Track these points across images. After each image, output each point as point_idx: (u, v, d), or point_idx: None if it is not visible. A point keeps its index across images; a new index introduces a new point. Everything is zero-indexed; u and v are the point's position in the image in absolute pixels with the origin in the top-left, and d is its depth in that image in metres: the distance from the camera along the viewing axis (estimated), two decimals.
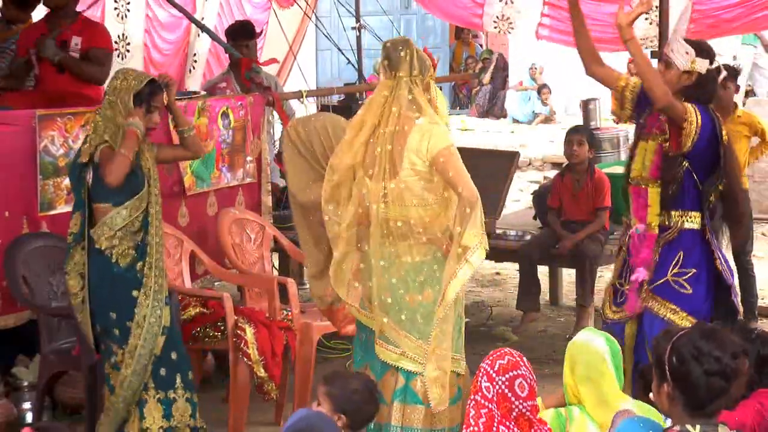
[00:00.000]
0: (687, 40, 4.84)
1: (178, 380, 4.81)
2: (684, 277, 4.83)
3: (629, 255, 4.96)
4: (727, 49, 14.51)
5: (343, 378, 3.88)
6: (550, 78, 16.32)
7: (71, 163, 4.88)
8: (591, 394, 3.81)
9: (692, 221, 4.84)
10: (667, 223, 4.84)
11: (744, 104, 10.35)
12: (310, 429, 3.35)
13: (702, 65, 4.80)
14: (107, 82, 4.84)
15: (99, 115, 4.74)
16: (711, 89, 4.87)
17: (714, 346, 2.94)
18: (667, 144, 4.77)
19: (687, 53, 4.78)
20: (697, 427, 2.93)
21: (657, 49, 6.02)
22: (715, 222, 4.92)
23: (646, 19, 6.96)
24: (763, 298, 7.84)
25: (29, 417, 5.41)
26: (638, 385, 4.27)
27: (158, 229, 4.79)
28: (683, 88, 4.81)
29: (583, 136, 6.96)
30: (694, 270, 4.82)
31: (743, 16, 6.98)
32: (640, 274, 4.86)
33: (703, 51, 4.86)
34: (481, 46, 18.96)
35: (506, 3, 7.52)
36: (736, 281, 5.07)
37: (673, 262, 4.84)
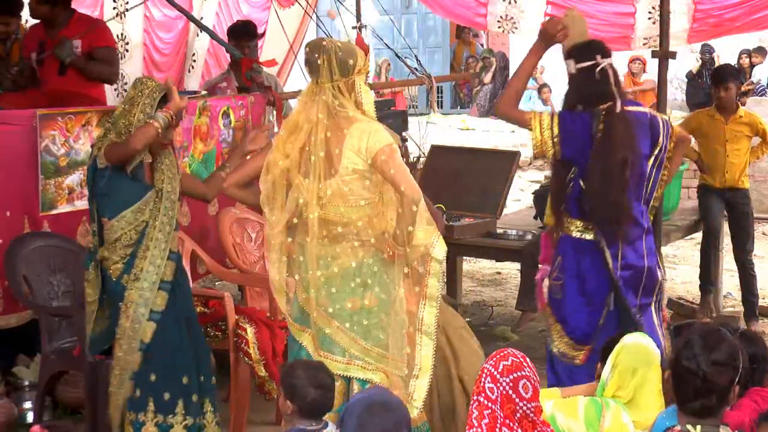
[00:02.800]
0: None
1: (151, 404, 4.71)
2: (558, 283, 4.88)
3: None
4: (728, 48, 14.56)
5: (290, 368, 3.87)
6: (551, 78, 16.32)
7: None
8: (633, 392, 3.86)
9: (572, 228, 4.85)
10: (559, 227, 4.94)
11: (744, 104, 10.36)
12: (386, 403, 3.33)
13: (569, 66, 4.81)
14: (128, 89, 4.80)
15: (109, 122, 4.68)
16: (587, 88, 4.77)
17: (701, 345, 2.97)
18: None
19: None
20: (698, 427, 2.95)
21: (659, 49, 6.01)
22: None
23: (650, 18, 6.96)
24: (764, 298, 7.85)
25: (30, 417, 5.40)
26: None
27: (157, 242, 4.64)
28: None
29: None
30: (562, 278, 4.85)
31: (745, 15, 6.97)
32: (543, 271, 5.01)
33: (573, 51, 4.86)
34: (482, 45, 18.95)
35: (510, 2, 7.50)
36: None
37: (555, 265, 4.91)
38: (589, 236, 4.80)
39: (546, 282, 4.95)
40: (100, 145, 4.62)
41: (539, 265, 5.09)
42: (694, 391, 2.99)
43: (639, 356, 3.87)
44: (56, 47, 6.38)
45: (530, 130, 4.75)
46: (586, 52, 4.81)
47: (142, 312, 4.62)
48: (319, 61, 4.15)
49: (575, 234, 4.84)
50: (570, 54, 4.86)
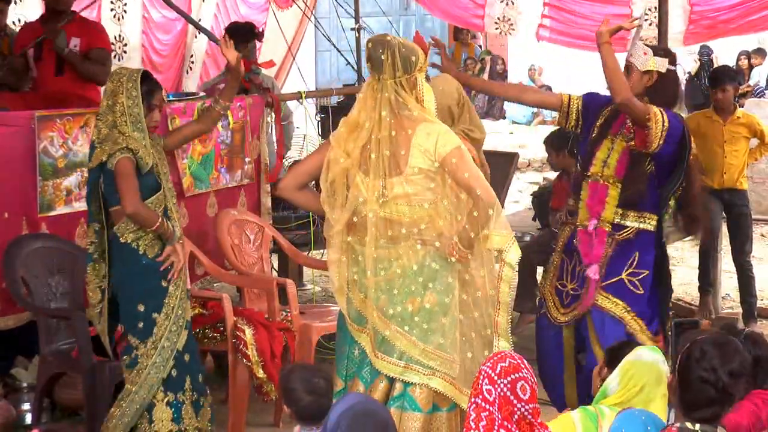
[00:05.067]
0: (646, 44, 4.92)
1: (187, 383, 4.78)
2: (638, 278, 4.94)
3: (569, 254, 5.05)
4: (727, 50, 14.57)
5: (288, 372, 3.89)
6: (550, 79, 16.32)
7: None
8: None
9: (649, 223, 4.94)
10: (623, 222, 4.92)
11: (742, 105, 10.36)
12: (368, 413, 3.33)
13: (661, 64, 4.90)
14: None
15: (100, 120, 4.69)
16: (673, 89, 4.96)
17: (717, 356, 2.97)
18: (632, 143, 4.85)
19: (645, 54, 4.86)
20: (697, 425, 2.96)
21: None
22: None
23: (646, 20, 6.96)
24: (762, 299, 7.84)
25: (28, 418, 5.40)
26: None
27: (177, 222, 4.78)
28: (645, 89, 4.90)
29: (552, 146, 6.90)
30: (647, 272, 4.94)
31: (741, 17, 6.98)
32: (594, 270, 4.93)
33: (661, 51, 4.99)
34: (480, 47, 18.96)
35: (507, 4, 7.51)
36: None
37: (629, 262, 4.93)
38: (653, 229, 4.97)
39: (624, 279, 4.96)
40: (110, 150, 4.58)
41: (586, 264, 4.98)
42: (708, 400, 2.99)
43: (649, 375, 3.76)
44: (55, 39, 6.40)
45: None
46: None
47: (185, 290, 4.76)
48: (383, 57, 4.15)
49: (650, 228, 4.95)
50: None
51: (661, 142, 4.76)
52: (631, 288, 4.92)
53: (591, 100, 5.10)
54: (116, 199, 4.65)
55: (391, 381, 4.23)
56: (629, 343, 4.13)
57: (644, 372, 3.76)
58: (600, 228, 4.93)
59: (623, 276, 4.91)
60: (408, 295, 4.18)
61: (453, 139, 4.17)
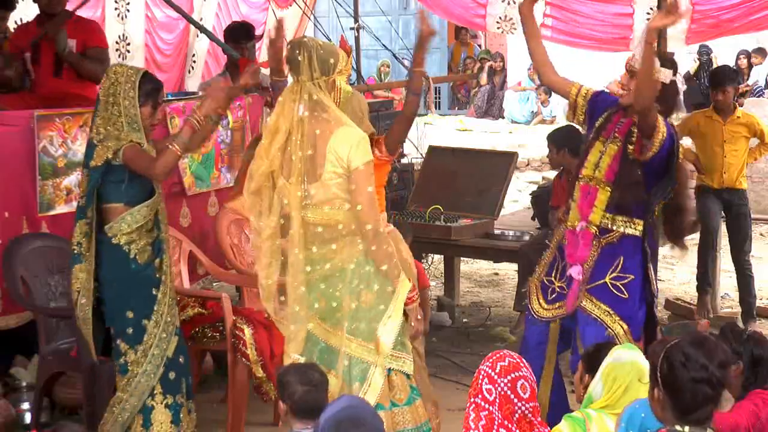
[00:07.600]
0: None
1: (184, 385, 4.78)
2: (622, 282, 4.89)
3: (561, 252, 5.01)
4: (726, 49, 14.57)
5: (284, 368, 3.91)
6: None
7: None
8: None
9: (635, 228, 4.89)
10: (610, 226, 4.89)
11: (741, 104, 10.37)
12: (356, 417, 3.33)
13: (666, 75, 4.85)
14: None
15: (98, 117, 4.64)
16: (673, 100, 4.93)
17: (702, 353, 2.98)
18: (631, 148, 4.82)
19: None
20: (686, 428, 2.96)
21: (657, 50, 6.01)
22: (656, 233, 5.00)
23: (648, 19, 6.96)
24: (761, 299, 7.85)
25: (28, 417, 5.40)
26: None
27: (166, 227, 4.79)
28: None
29: (553, 143, 6.88)
30: (632, 276, 4.88)
31: (744, 16, 6.98)
32: (576, 271, 4.91)
33: (667, 62, 4.93)
34: (479, 46, 18.96)
35: (509, 3, 7.49)
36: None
37: (613, 266, 4.89)
38: (639, 234, 4.91)
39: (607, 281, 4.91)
40: (112, 146, 4.55)
41: (570, 263, 4.95)
42: (705, 398, 2.98)
43: (631, 374, 3.74)
44: (56, 39, 6.39)
45: None
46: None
47: (173, 296, 4.76)
48: (299, 58, 4.15)
49: (636, 233, 4.89)
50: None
51: (656, 151, 4.76)
52: (615, 292, 4.87)
53: (599, 99, 5.08)
54: (115, 195, 4.63)
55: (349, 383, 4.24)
56: (605, 345, 4.08)
57: (626, 372, 3.73)
58: (586, 230, 4.92)
59: (606, 280, 4.88)
60: (342, 296, 4.19)
61: (364, 153, 4.15)
